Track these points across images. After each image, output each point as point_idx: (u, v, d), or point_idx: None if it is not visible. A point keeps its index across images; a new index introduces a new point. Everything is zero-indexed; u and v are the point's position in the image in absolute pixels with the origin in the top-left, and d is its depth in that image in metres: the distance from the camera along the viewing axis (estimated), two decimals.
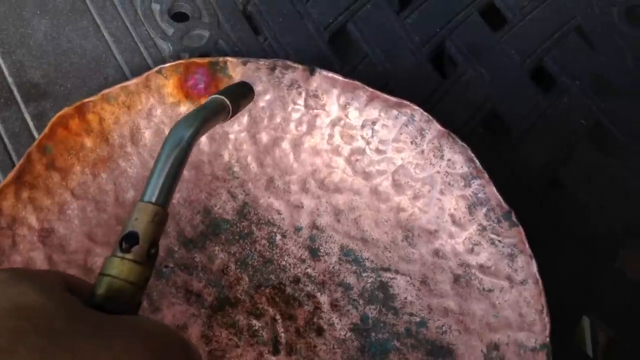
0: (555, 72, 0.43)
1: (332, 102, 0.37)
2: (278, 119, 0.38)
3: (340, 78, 0.37)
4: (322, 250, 0.37)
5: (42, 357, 0.18)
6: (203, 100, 0.37)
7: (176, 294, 0.35)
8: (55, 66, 0.41)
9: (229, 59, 0.36)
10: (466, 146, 0.36)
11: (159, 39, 0.42)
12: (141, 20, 0.42)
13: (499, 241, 0.35)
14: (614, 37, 0.44)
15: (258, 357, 0.34)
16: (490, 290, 0.35)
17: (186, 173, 0.37)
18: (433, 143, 0.36)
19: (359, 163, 0.38)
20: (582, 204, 0.40)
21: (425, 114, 0.36)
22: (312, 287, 0.36)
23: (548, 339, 0.32)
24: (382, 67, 0.42)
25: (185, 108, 0.37)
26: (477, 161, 0.35)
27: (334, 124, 0.38)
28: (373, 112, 0.37)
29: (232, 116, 0.31)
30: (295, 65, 0.37)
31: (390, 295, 0.36)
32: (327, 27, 0.43)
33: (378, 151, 0.37)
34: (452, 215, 0.36)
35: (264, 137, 0.38)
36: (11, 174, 0.33)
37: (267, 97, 0.37)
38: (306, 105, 0.37)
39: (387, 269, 0.36)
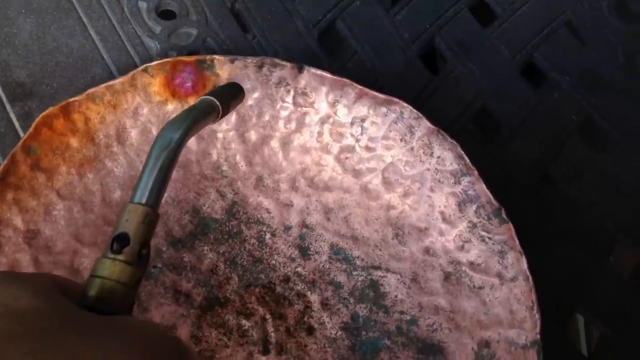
0: (545, 68, 0.43)
1: (321, 100, 0.37)
2: (266, 117, 0.37)
3: (329, 75, 0.36)
4: (312, 249, 0.37)
5: (35, 359, 0.18)
6: (190, 99, 0.36)
7: (165, 295, 0.35)
8: (41, 65, 0.40)
9: (216, 56, 0.36)
10: (456, 143, 0.35)
11: (146, 37, 0.41)
12: (128, 19, 0.42)
13: (489, 238, 0.34)
14: (604, 31, 0.44)
15: (248, 357, 0.34)
16: (480, 288, 0.34)
17: (174, 172, 0.36)
18: (423, 140, 0.36)
19: (348, 161, 0.37)
20: (573, 200, 0.40)
21: (415, 111, 0.36)
22: (302, 286, 0.36)
23: (539, 336, 0.32)
24: (372, 64, 0.42)
25: (172, 107, 0.36)
26: (466, 158, 0.35)
27: (323, 121, 0.37)
28: (362, 110, 0.37)
29: (221, 117, 0.31)
30: (284, 62, 0.36)
31: (381, 294, 0.36)
32: (316, 25, 0.43)
33: (367, 149, 0.37)
34: (442, 213, 0.36)
35: (253, 136, 0.37)
36: None
37: (256, 95, 0.37)
38: (295, 103, 0.37)
39: (378, 267, 0.36)
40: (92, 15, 0.42)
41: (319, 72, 0.36)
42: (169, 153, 0.27)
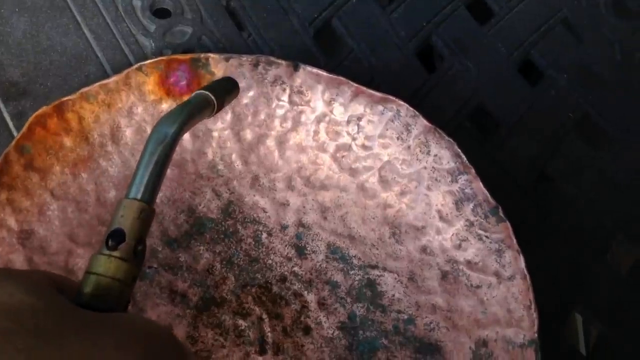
0: (542, 65, 0.43)
1: (317, 98, 0.37)
2: (262, 116, 0.37)
3: (325, 73, 0.36)
4: (308, 248, 0.36)
5: (30, 357, 0.18)
6: (185, 98, 0.36)
7: (160, 295, 0.35)
8: (35, 64, 0.40)
9: (211, 55, 0.36)
10: (452, 141, 0.35)
11: (141, 36, 0.41)
12: (122, 17, 0.41)
13: (487, 237, 0.34)
14: (601, 29, 0.44)
15: (244, 357, 0.34)
16: (478, 287, 0.34)
17: (169, 172, 0.36)
18: (419, 138, 0.36)
19: (345, 159, 0.37)
20: (571, 198, 0.39)
21: (411, 109, 0.36)
22: (299, 286, 0.36)
23: (536, 335, 0.32)
24: (368, 62, 0.42)
25: (167, 105, 0.36)
26: (463, 156, 0.35)
27: (319, 120, 0.37)
28: (358, 108, 0.36)
29: (217, 112, 0.31)
30: (279, 61, 0.36)
31: (378, 293, 0.36)
32: (312, 23, 0.43)
33: (364, 147, 0.37)
34: (439, 211, 0.36)
35: (248, 135, 0.37)
36: None
37: (251, 93, 0.37)
38: (290, 102, 0.37)
39: (375, 267, 0.36)
40: (86, 14, 0.41)
41: (315, 70, 0.36)
42: (164, 148, 0.27)
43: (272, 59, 0.36)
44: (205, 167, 0.37)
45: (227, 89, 0.33)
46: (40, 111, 0.34)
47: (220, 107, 0.31)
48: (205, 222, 0.36)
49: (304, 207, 0.37)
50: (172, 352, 0.23)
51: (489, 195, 0.34)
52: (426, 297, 0.35)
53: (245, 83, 0.36)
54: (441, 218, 0.35)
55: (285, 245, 0.36)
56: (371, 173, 0.37)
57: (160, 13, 0.42)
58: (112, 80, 0.35)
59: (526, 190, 0.39)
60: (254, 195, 0.37)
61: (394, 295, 0.35)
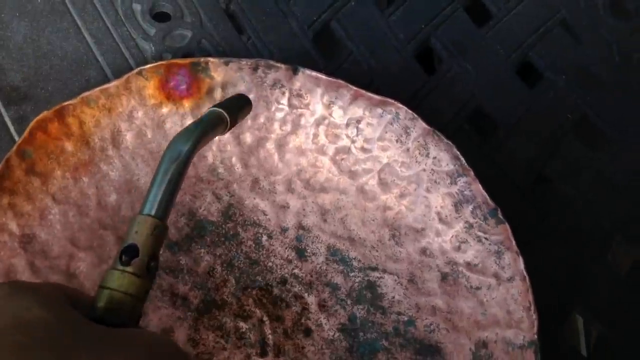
0: (540, 67, 0.43)
1: (316, 101, 0.37)
2: (262, 119, 0.37)
3: (324, 77, 0.36)
4: (309, 251, 0.37)
5: None
6: (185, 102, 0.36)
7: (162, 298, 0.35)
8: (36, 69, 0.40)
9: (211, 59, 0.36)
10: (451, 144, 0.35)
11: (141, 40, 0.41)
12: (122, 21, 0.42)
13: (486, 238, 0.34)
14: (599, 30, 0.44)
15: (245, 359, 0.34)
16: (477, 288, 0.34)
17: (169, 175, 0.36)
18: (418, 141, 0.36)
19: (344, 162, 0.37)
20: (569, 199, 0.40)
21: (410, 112, 0.36)
22: (300, 288, 0.36)
23: (536, 336, 0.32)
24: (367, 65, 0.42)
25: (167, 109, 0.36)
26: (462, 158, 0.35)
27: (318, 123, 0.37)
28: (357, 111, 0.37)
29: (229, 129, 0.31)
30: (278, 64, 0.36)
31: (378, 295, 0.36)
32: (311, 26, 0.43)
33: (363, 150, 0.37)
34: (438, 213, 0.36)
35: (248, 138, 0.37)
36: None
37: (250, 97, 0.37)
38: (290, 105, 0.37)
39: (375, 269, 0.36)
40: (87, 18, 0.42)
41: (314, 73, 0.36)
42: (177, 165, 0.27)
43: (272, 62, 0.36)
44: (205, 170, 0.37)
45: (239, 106, 0.33)
46: (41, 116, 0.34)
47: (233, 123, 0.31)
48: (205, 225, 0.36)
49: (304, 209, 0.37)
50: None
51: (488, 197, 0.34)
52: (426, 299, 0.35)
53: (244, 87, 0.36)
54: (441, 220, 0.36)
55: (286, 248, 0.37)
56: (370, 175, 0.37)
57: (160, 17, 0.42)
58: (112, 84, 0.35)
59: (525, 192, 0.40)
60: (254, 198, 0.37)
61: (394, 297, 0.36)
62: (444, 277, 0.35)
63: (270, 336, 0.35)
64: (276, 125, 0.37)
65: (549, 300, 0.36)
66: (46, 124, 0.34)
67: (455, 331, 0.34)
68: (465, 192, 0.35)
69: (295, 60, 0.40)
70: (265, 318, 0.35)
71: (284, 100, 0.37)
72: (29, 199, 0.34)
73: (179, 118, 0.36)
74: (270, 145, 0.38)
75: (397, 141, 0.36)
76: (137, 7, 0.42)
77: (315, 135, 0.37)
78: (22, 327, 0.19)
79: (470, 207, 0.35)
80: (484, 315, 0.34)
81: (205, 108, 0.37)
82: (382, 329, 0.35)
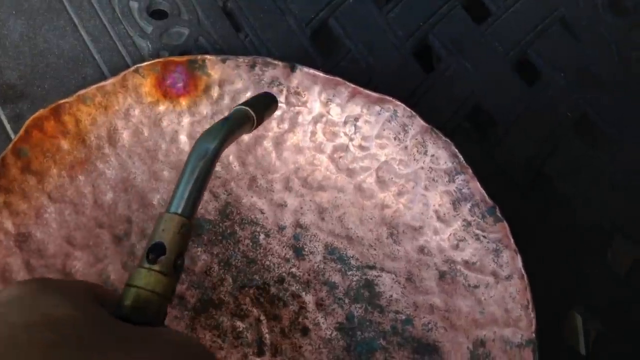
0: (539, 65, 0.43)
1: (314, 99, 0.37)
2: None
3: (321, 74, 0.36)
4: (306, 249, 0.36)
5: None
6: (182, 99, 0.36)
7: None
8: (32, 67, 0.40)
9: (208, 56, 0.36)
10: (449, 141, 0.35)
11: (138, 37, 0.41)
12: (119, 19, 0.41)
13: (484, 237, 0.34)
14: (598, 28, 0.44)
15: (242, 358, 0.34)
16: (475, 287, 0.34)
17: (166, 174, 0.36)
18: (416, 139, 0.36)
19: (342, 160, 0.37)
20: (568, 198, 0.39)
21: (408, 109, 0.36)
22: (297, 287, 0.36)
23: (534, 335, 0.32)
24: (365, 63, 0.42)
25: (163, 107, 0.36)
26: (460, 156, 0.35)
27: (316, 120, 0.37)
28: (355, 109, 0.36)
29: (256, 127, 0.31)
30: (276, 62, 0.36)
31: (376, 294, 0.36)
32: (309, 23, 0.43)
33: (361, 148, 0.37)
34: (436, 211, 0.36)
35: (246, 136, 0.37)
36: None
37: (248, 94, 0.37)
38: (287, 103, 0.37)
39: (373, 267, 0.36)
40: (83, 16, 0.41)
41: (312, 71, 0.36)
42: (205, 163, 0.27)
43: (269, 60, 0.36)
44: None
45: (266, 104, 0.33)
46: (37, 114, 0.34)
47: (260, 122, 0.31)
48: (202, 223, 0.36)
49: (301, 208, 0.37)
50: None
51: (486, 195, 0.34)
52: (424, 298, 0.35)
53: (242, 84, 0.36)
54: (439, 218, 0.35)
55: (283, 246, 0.36)
56: (368, 173, 0.37)
57: (157, 14, 0.42)
58: (108, 82, 0.35)
59: (524, 190, 0.39)
60: (252, 197, 0.37)
61: (391, 296, 0.35)
62: (442, 275, 0.35)
63: (267, 335, 0.35)
64: (274, 123, 0.37)
65: (548, 299, 0.36)
66: (42, 122, 0.34)
67: (453, 330, 0.34)
68: (463, 190, 0.35)
69: (293, 58, 0.40)
70: (262, 317, 0.35)
71: (282, 98, 0.37)
72: (25, 197, 0.33)
73: (175, 116, 0.36)
74: (267, 143, 0.37)
75: (395, 139, 0.36)
76: (134, 4, 0.42)
77: (313, 133, 0.37)
78: (50, 324, 0.19)
79: (469, 205, 0.35)
80: (482, 313, 0.34)
81: (203, 106, 0.37)
82: (380, 328, 0.35)
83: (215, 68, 0.36)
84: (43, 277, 0.33)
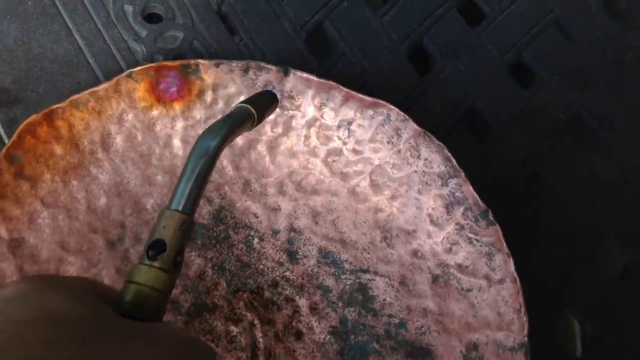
0: (534, 67, 0.43)
1: (308, 103, 0.37)
2: None
3: (315, 78, 0.36)
4: (300, 253, 0.36)
5: None
6: (175, 104, 0.36)
7: None
8: (26, 71, 0.40)
9: (201, 61, 0.36)
10: (442, 145, 0.35)
11: (132, 41, 0.41)
12: (114, 22, 0.42)
13: (477, 240, 0.34)
14: (592, 30, 0.44)
15: None
16: (468, 290, 0.34)
17: (160, 178, 0.36)
18: (410, 142, 0.36)
19: (336, 164, 0.37)
20: (562, 199, 0.40)
21: (402, 113, 0.36)
22: (291, 291, 0.36)
23: (526, 339, 0.32)
24: (360, 66, 0.42)
25: (157, 112, 0.36)
26: (453, 160, 0.35)
27: (309, 124, 0.37)
28: (349, 113, 0.37)
29: (257, 124, 0.31)
30: (269, 66, 0.36)
31: (370, 297, 0.36)
32: (304, 26, 0.43)
33: (355, 151, 0.37)
34: (429, 215, 0.36)
35: (239, 140, 0.37)
36: None
37: (241, 99, 0.37)
38: (281, 107, 0.37)
39: (366, 271, 0.36)
40: (78, 20, 0.41)
41: (305, 75, 0.36)
42: (206, 161, 0.27)
43: (262, 64, 0.36)
44: None
45: (266, 102, 0.33)
46: (30, 119, 0.34)
47: (261, 119, 0.32)
48: (196, 228, 0.36)
49: (295, 211, 0.37)
50: None
51: (479, 198, 0.34)
52: (417, 301, 0.35)
53: (235, 89, 0.36)
54: (432, 222, 0.36)
55: (277, 250, 0.36)
56: (362, 177, 0.37)
57: (151, 18, 0.42)
58: (102, 87, 0.35)
59: (518, 192, 0.39)
60: (246, 201, 0.37)
61: (385, 300, 0.35)
62: (435, 279, 0.35)
63: (261, 339, 0.35)
64: (267, 127, 0.37)
65: (541, 302, 0.36)
66: (35, 128, 0.34)
67: (446, 333, 0.34)
68: (456, 194, 0.35)
69: (288, 61, 0.40)
70: (256, 321, 0.35)
71: None
72: (18, 202, 0.34)
73: (169, 120, 0.36)
74: (261, 148, 0.37)
75: (388, 143, 0.36)
76: (128, 8, 0.42)
77: (307, 137, 0.37)
78: (52, 320, 0.19)
79: (462, 209, 0.35)
80: (475, 317, 0.34)
81: (196, 110, 0.37)
82: (373, 332, 0.35)
83: (208, 72, 0.36)
84: (48, 273, 0.33)
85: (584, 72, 0.43)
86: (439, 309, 0.35)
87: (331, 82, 0.36)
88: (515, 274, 0.33)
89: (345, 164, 0.37)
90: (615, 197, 0.40)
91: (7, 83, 0.39)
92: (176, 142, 0.36)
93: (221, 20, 0.43)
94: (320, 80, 0.36)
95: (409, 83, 0.42)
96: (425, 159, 0.36)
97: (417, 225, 0.36)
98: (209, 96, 0.37)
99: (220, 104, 0.37)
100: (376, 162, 0.37)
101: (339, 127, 0.37)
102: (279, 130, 0.37)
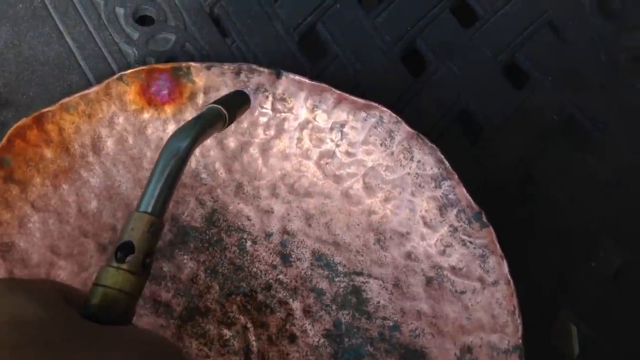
0: (527, 68, 0.43)
1: (300, 105, 0.37)
2: (245, 124, 0.37)
3: (307, 81, 0.36)
4: (293, 256, 0.36)
5: None
6: (167, 107, 0.36)
7: (144, 305, 0.34)
8: (17, 74, 0.40)
9: (192, 64, 0.36)
10: (435, 147, 0.35)
11: (124, 44, 0.41)
12: (105, 25, 0.41)
13: (470, 242, 0.34)
14: (586, 31, 0.44)
15: None
16: (462, 292, 0.34)
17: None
18: (402, 144, 0.36)
19: (328, 166, 0.37)
20: (556, 200, 0.39)
21: (394, 115, 0.36)
22: (284, 294, 0.35)
23: (520, 341, 0.32)
24: (353, 68, 0.42)
25: (148, 115, 0.36)
26: (446, 162, 0.35)
27: (302, 127, 0.37)
28: (341, 115, 0.36)
29: (228, 125, 0.31)
30: (261, 69, 0.36)
31: (363, 300, 0.35)
32: (296, 28, 0.42)
33: (348, 154, 0.37)
34: (423, 217, 0.35)
35: (232, 143, 0.37)
36: None
37: None
38: (273, 109, 0.37)
39: (360, 273, 0.36)
40: (69, 23, 0.41)
41: (297, 77, 0.36)
42: (176, 162, 0.27)
43: (254, 66, 0.36)
44: (188, 176, 0.37)
45: (238, 102, 0.33)
46: (19, 123, 0.33)
47: (232, 120, 0.32)
48: (189, 231, 0.36)
49: (288, 214, 0.37)
50: None
51: (472, 200, 0.34)
52: (411, 304, 0.35)
53: (227, 91, 0.36)
54: (425, 224, 0.35)
55: (270, 253, 0.36)
56: (355, 180, 0.37)
57: (143, 20, 0.42)
58: (92, 90, 0.35)
59: (512, 193, 0.39)
60: (238, 204, 0.37)
61: (379, 302, 0.35)
62: (428, 281, 0.35)
63: (254, 343, 0.34)
64: (260, 130, 0.37)
65: (535, 303, 0.36)
66: (25, 131, 0.34)
67: (440, 336, 0.34)
68: (449, 196, 0.35)
69: (281, 64, 0.40)
70: (249, 324, 0.35)
71: (268, 105, 0.37)
72: (8, 207, 0.33)
73: (160, 124, 0.36)
74: (254, 150, 0.37)
75: (381, 145, 0.36)
76: (120, 11, 0.42)
77: (299, 140, 0.37)
78: (17, 325, 0.19)
79: (455, 211, 0.35)
80: (469, 319, 0.33)
81: (188, 113, 0.36)
82: (367, 335, 0.35)
83: (200, 75, 0.36)
84: (9, 277, 0.32)
85: (578, 73, 0.43)
86: (433, 312, 0.34)
87: (323, 85, 0.36)
88: (509, 276, 0.33)
89: (338, 167, 0.37)
90: (609, 198, 0.40)
91: None
92: None
93: (213, 23, 0.42)
94: (313, 82, 0.36)
95: (402, 84, 0.42)
96: (418, 161, 0.35)
97: (410, 227, 0.36)
98: (200, 99, 0.36)
99: None
100: (369, 164, 0.37)
101: (331, 129, 0.37)
102: (272, 132, 0.37)
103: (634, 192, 0.40)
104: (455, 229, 0.35)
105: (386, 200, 0.36)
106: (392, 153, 0.36)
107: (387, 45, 0.43)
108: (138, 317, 0.34)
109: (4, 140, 0.33)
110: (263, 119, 0.37)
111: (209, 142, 0.37)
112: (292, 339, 0.35)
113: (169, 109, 0.36)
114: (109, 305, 0.23)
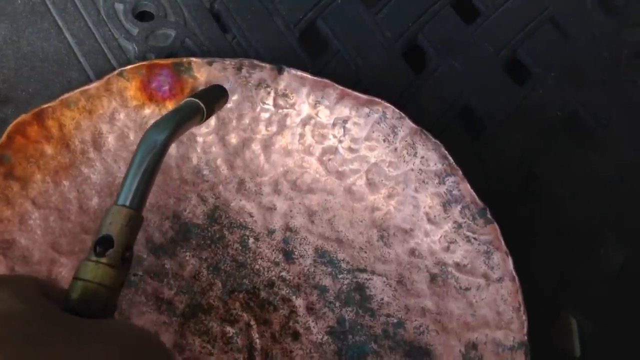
0: (529, 64, 0.43)
1: (302, 101, 0.36)
2: (247, 120, 0.37)
3: (309, 76, 0.36)
4: (296, 253, 0.36)
5: None
6: (168, 103, 0.36)
7: (146, 303, 0.34)
8: (16, 70, 0.39)
9: (194, 59, 0.35)
10: (439, 143, 0.35)
11: (124, 40, 0.40)
12: (104, 21, 0.41)
13: (475, 238, 0.34)
14: (588, 26, 0.44)
15: None
16: (467, 289, 0.34)
17: None
18: (406, 140, 0.35)
19: (331, 162, 0.37)
20: (559, 197, 0.39)
21: (397, 111, 0.35)
22: (287, 291, 0.35)
23: (526, 337, 0.32)
24: (354, 64, 0.42)
25: (149, 111, 0.35)
26: (450, 158, 0.35)
27: (304, 123, 0.37)
28: (344, 111, 0.36)
29: (206, 119, 0.31)
30: (263, 64, 0.36)
31: (367, 297, 0.35)
32: (297, 24, 0.42)
33: (350, 150, 0.37)
34: (427, 213, 0.35)
35: (234, 139, 0.37)
36: None
37: (235, 97, 0.36)
38: (275, 105, 0.37)
39: (363, 270, 0.36)
40: (68, 18, 0.41)
41: (299, 73, 0.36)
42: (153, 155, 0.27)
43: (256, 62, 0.36)
44: (190, 172, 0.36)
45: (216, 96, 0.33)
46: (19, 119, 0.33)
47: (210, 114, 0.32)
48: (191, 228, 0.36)
49: (291, 211, 0.37)
50: (158, 357, 0.23)
51: (476, 196, 0.34)
52: (415, 300, 0.35)
53: (229, 87, 0.36)
54: (429, 220, 0.35)
55: (273, 250, 0.36)
56: (358, 176, 0.36)
57: (142, 16, 0.42)
58: (92, 86, 0.34)
59: (514, 189, 0.39)
60: (240, 200, 0.37)
61: (382, 299, 0.35)
62: (433, 278, 0.35)
63: (257, 340, 0.34)
64: (262, 126, 0.37)
65: (539, 300, 0.36)
66: (25, 127, 0.33)
67: (444, 333, 0.34)
68: (453, 192, 0.35)
69: (281, 59, 0.39)
70: (252, 322, 0.34)
71: (269, 101, 0.36)
72: (8, 203, 0.33)
73: None
74: (256, 146, 0.37)
75: (384, 141, 0.36)
76: (119, 6, 0.41)
77: (302, 136, 0.37)
78: None
79: (459, 207, 0.34)
80: (474, 316, 0.33)
81: None
82: (371, 332, 0.34)
83: (201, 71, 0.35)
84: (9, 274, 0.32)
85: (580, 69, 0.42)
86: (437, 308, 0.34)
87: (326, 80, 0.36)
88: (514, 273, 0.32)
89: (341, 163, 0.37)
90: (612, 194, 0.40)
91: None
92: None
93: (214, 18, 0.42)
94: (315, 78, 0.36)
95: (403, 81, 0.42)
96: (422, 157, 0.35)
97: (414, 223, 0.36)
98: None
99: None
100: (372, 160, 0.36)
101: (334, 125, 0.36)
102: (274, 128, 0.37)
103: (636, 188, 0.40)
104: (460, 225, 0.34)
105: (389, 196, 0.36)
106: (396, 149, 0.36)
107: (389, 41, 0.42)
108: (141, 314, 0.34)
109: (4, 136, 0.33)
110: (265, 115, 0.37)
111: (210, 138, 0.37)
112: (296, 336, 0.34)
113: (170, 105, 0.36)
114: (89, 299, 0.23)
